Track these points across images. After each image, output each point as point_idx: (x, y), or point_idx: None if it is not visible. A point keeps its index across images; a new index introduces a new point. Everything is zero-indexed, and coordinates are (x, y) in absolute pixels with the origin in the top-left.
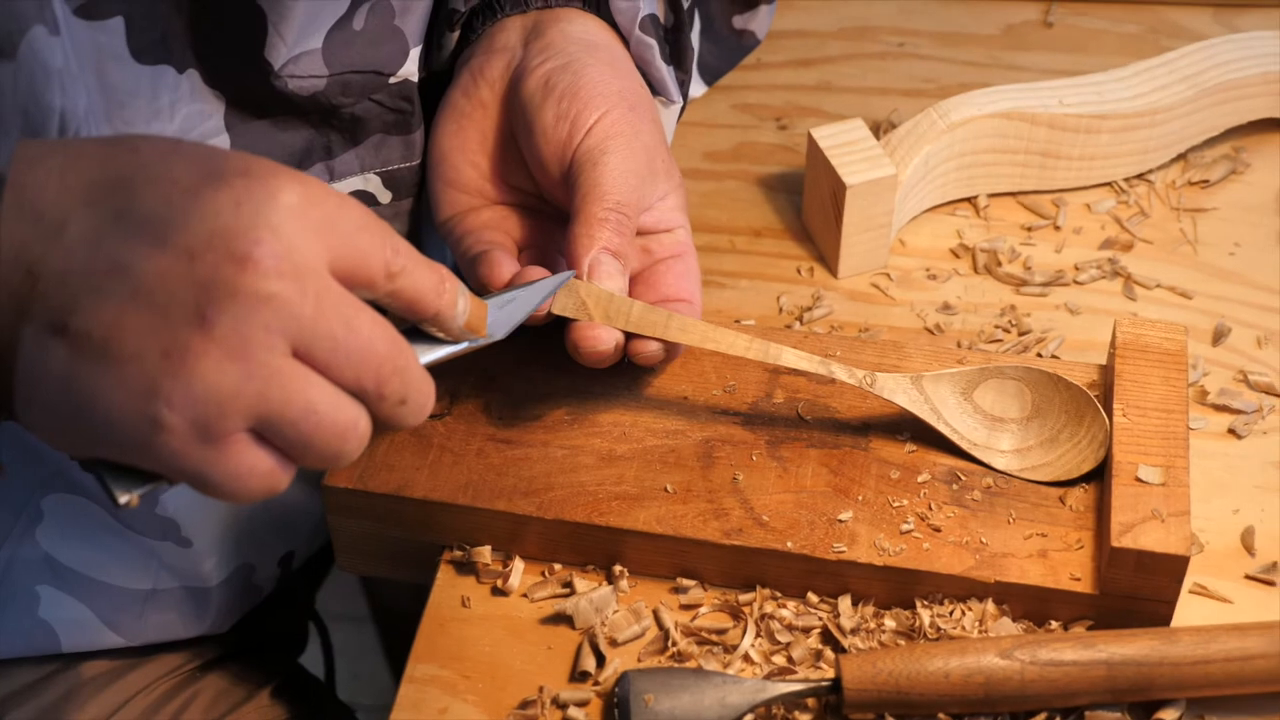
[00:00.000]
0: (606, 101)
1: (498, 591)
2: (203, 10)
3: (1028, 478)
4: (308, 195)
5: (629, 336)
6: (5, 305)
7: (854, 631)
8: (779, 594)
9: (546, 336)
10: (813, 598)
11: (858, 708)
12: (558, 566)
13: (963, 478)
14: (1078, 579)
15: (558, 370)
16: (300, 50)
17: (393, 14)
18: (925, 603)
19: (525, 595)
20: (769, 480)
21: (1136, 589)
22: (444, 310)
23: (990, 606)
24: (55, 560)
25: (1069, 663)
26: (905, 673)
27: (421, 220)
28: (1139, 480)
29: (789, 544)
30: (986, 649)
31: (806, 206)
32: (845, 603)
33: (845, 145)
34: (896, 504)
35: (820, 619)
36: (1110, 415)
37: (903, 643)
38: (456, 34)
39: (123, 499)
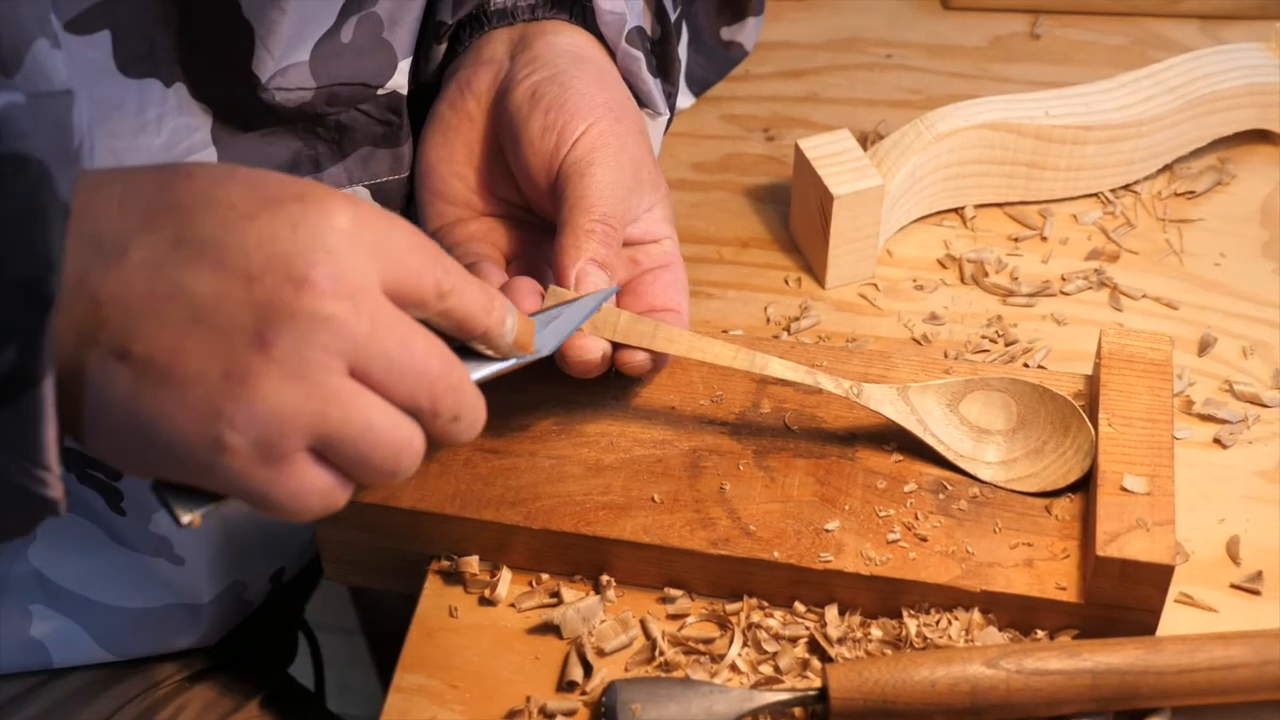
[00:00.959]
0: (593, 113)
1: (485, 601)
2: (190, 24)
3: (1014, 489)
4: (361, 218)
5: (616, 347)
6: (70, 332)
7: (841, 641)
8: (766, 603)
9: None
10: (799, 607)
11: (844, 717)
12: (545, 576)
13: (949, 487)
14: (1063, 588)
15: (545, 380)
16: (287, 63)
17: (381, 26)
18: (912, 612)
19: (513, 605)
20: (756, 490)
21: (1122, 598)
22: (493, 328)
23: (976, 616)
24: (47, 579)
25: (1054, 672)
26: (891, 682)
27: None
28: (1124, 490)
29: (776, 553)
30: (972, 658)
31: (794, 217)
32: (832, 612)
33: (832, 156)
34: (883, 513)
35: (807, 628)
36: (1096, 425)
37: (889, 652)
38: (444, 46)
39: (185, 519)
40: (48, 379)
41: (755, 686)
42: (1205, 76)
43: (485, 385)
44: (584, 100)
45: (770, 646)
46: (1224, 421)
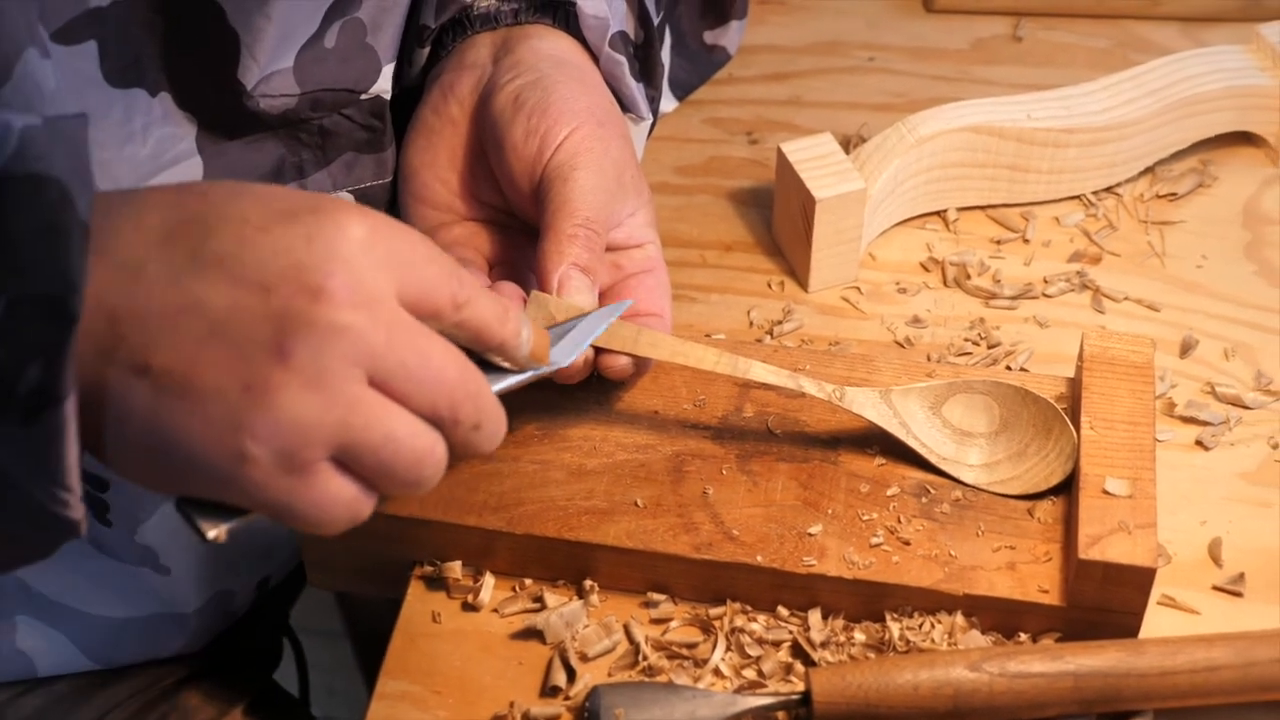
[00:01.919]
0: (576, 118)
1: (468, 607)
2: (176, 33)
3: (996, 491)
4: (375, 229)
5: (599, 351)
6: (90, 350)
7: (824, 645)
8: (749, 608)
9: None
10: (783, 611)
11: None
12: (528, 581)
13: (932, 491)
14: (1046, 591)
15: (528, 385)
16: (271, 70)
17: (364, 31)
18: (895, 615)
19: (496, 610)
20: (739, 494)
21: (1104, 601)
22: (509, 339)
23: (959, 619)
24: (32, 589)
25: (1037, 674)
26: (875, 686)
27: None
28: (1106, 493)
29: (759, 558)
30: (955, 661)
31: (777, 221)
32: (815, 616)
33: (815, 159)
34: (866, 517)
35: (790, 632)
36: (1078, 428)
37: (872, 656)
38: (427, 50)
39: (210, 534)
40: (70, 398)
41: (739, 691)
42: (1186, 79)
43: (504, 398)
44: (567, 105)
45: (753, 651)
46: (1206, 423)
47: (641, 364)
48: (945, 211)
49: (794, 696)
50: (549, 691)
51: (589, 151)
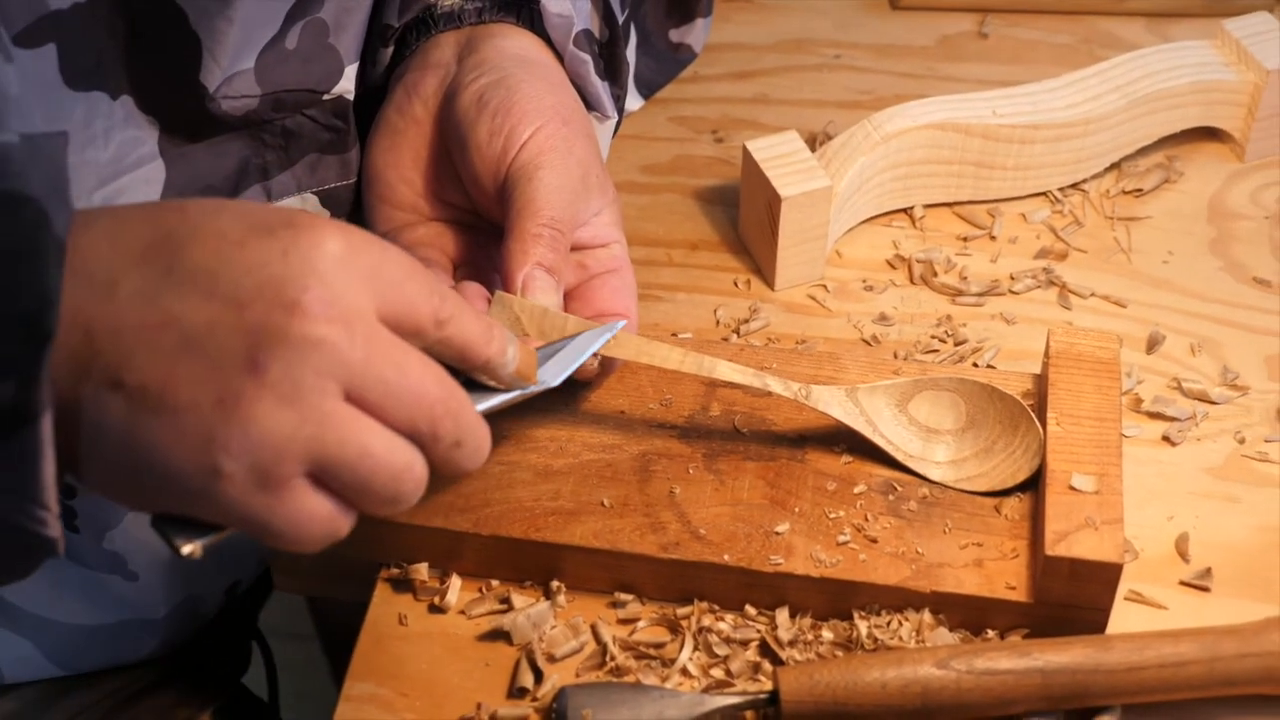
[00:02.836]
0: (540, 117)
1: (435, 609)
2: (137, 36)
3: (963, 488)
4: (352, 244)
5: None
6: (65, 367)
7: (792, 643)
8: (717, 607)
9: None
10: (750, 610)
11: (796, 719)
12: (495, 582)
13: (899, 488)
14: (1013, 588)
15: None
16: (233, 71)
17: (326, 32)
18: (862, 614)
19: (463, 612)
20: (706, 493)
21: (1071, 597)
22: (494, 358)
23: (927, 616)
24: (0, 598)
25: (1005, 671)
26: (843, 684)
27: None
28: (1073, 489)
29: (726, 557)
30: (923, 659)
31: (743, 219)
32: (783, 615)
33: (780, 157)
34: (833, 515)
35: (758, 631)
36: (1044, 424)
37: (840, 654)
38: (390, 50)
39: (185, 549)
40: (46, 415)
41: (707, 690)
42: (1152, 75)
43: (490, 417)
44: (531, 104)
45: (721, 650)
46: (1172, 419)
47: (608, 364)
48: (912, 209)
49: (762, 695)
50: (516, 693)
51: (553, 151)
